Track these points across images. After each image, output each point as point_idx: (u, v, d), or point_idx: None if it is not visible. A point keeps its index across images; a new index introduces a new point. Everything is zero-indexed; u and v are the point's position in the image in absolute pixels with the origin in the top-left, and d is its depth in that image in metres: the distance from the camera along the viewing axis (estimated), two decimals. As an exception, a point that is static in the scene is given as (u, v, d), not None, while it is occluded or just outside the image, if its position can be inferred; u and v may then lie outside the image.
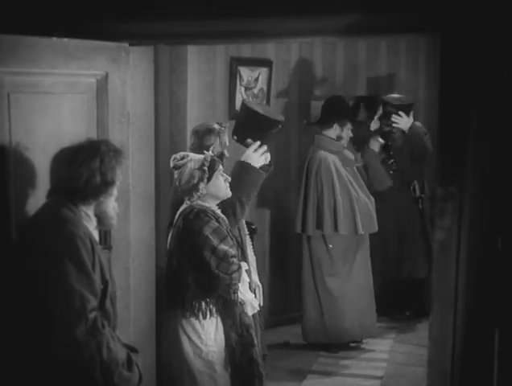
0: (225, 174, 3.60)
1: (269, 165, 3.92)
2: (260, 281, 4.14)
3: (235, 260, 3.47)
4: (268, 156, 3.92)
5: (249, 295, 3.64)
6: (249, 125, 4.00)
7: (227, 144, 4.22)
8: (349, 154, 5.55)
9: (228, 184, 3.61)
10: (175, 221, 3.58)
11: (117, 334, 2.74)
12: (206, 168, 3.51)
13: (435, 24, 2.97)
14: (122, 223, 3.36)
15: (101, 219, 2.78)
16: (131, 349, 2.76)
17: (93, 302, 2.58)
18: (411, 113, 5.72)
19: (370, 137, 5.84)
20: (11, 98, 3.11)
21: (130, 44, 3.46)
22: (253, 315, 3.67)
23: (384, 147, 5.95)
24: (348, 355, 5.45)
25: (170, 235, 3.62)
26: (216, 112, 5.44)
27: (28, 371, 2.63)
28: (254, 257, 4.26)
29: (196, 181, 3.51)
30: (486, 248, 2.90)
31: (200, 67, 5.31)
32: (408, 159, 5.90)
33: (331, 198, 5.28)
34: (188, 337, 3.50)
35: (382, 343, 5.70)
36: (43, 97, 3.21)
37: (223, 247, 3.43)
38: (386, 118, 5.76)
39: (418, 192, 6.02)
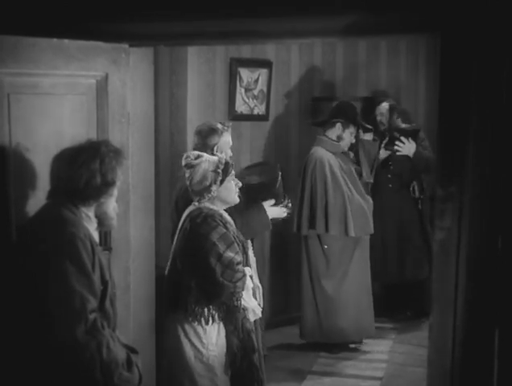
0: (236, 179, 3.58)
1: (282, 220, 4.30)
2: (260, 282, 4.13)
3: (240, 267, 3.45)
4: (284, 212, 4.34)
5: (253, 302, 3.61)
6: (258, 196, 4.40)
7: (230, 143, 4.21)
8: (349, 155, 5.55)
9: (238, 190, 3.60)
10: (181, 223, 3.56)
11: (117, 335, 2.75)
12: (220, 171, 3.48)
13: (435, 24, 2.97)
14: (122, 224, 3.36)
15: (102, 219, 2.78)
16: (131, 349, 2.76)
17: (93, 303, 2.58)
18: (420, 134, 5.83)
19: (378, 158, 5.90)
20: (11, 99, 3.11)
21: (130, 45, 3.46)
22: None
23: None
24: (348, 356, 5.45)
25: (176, 236, 3.59)
26: (216, 114, 5.44)
27: (28, 372, 2.62)
28: (254, 258, 4.26)
29: (208, 183, 3.47)
30: (486, 248, 2.90)
31: (200, 68, 5.32)
32: (408, 167, 5.92)
33: (323, 198, 5.27)
34: (190, 341, 3.49)
35: (382, 344, 5.70)
36: (43, 98, 3.21)
37: (229, 254, 3.40)
38: (390, 144, 5.89)
39: (417, 193, 6.03)
